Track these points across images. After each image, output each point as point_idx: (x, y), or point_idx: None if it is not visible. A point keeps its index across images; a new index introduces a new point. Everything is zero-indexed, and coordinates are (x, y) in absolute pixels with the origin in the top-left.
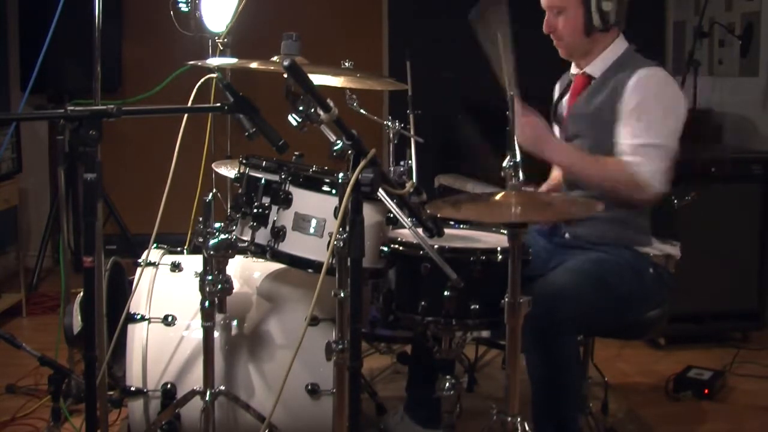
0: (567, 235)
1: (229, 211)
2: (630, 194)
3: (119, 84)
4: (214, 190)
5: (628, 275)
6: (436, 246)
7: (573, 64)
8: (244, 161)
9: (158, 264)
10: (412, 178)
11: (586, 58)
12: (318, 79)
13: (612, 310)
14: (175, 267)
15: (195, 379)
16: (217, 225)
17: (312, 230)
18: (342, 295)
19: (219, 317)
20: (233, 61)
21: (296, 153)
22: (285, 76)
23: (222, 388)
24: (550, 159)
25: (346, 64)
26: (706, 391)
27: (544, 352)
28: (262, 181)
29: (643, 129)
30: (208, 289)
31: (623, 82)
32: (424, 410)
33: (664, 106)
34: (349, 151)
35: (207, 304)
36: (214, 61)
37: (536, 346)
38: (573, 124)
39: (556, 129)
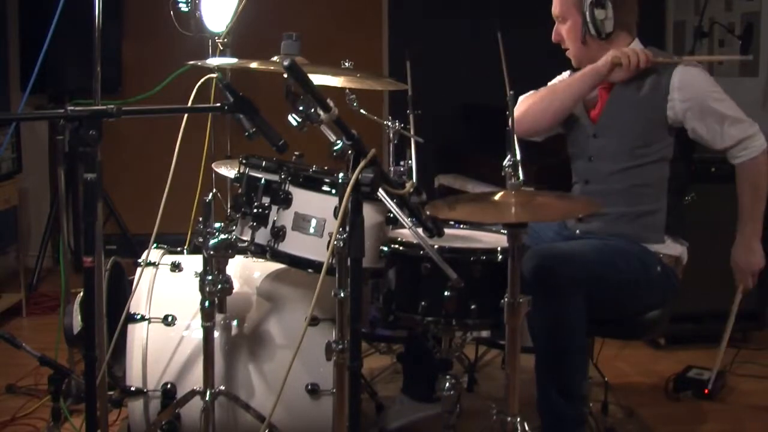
0: (578, 231)
1: (229, 211)
2: None
3: (119, 84)
4: (214, 190)
5: (636, 264)
6: (436, 246)
7: None
8: (244, 161)
9: (158, 264)
10: (412, 178)
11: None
12: (318, 79)
13: (615, 288)
14: (175, 267)
15: (195, 379)
16: (217, 225)
17: (312, 230)
18: (342, 295)
19: (219, 317)
20: (233, 61)
21: (296, 153)
22: (285, 76)
23: (222, 388)
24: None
25: (346, 64)
26: (706, 391)
27: (545, 308)
28: (262, 181)
29: (721, 118)
30: (208, 289)
31: (665, 72)
32: (421, 387)
33: (719, 91)
34: (349, 151)
35: (207, 304)
36: (214, 61)
37: (538, 301)
38: (607, 115)
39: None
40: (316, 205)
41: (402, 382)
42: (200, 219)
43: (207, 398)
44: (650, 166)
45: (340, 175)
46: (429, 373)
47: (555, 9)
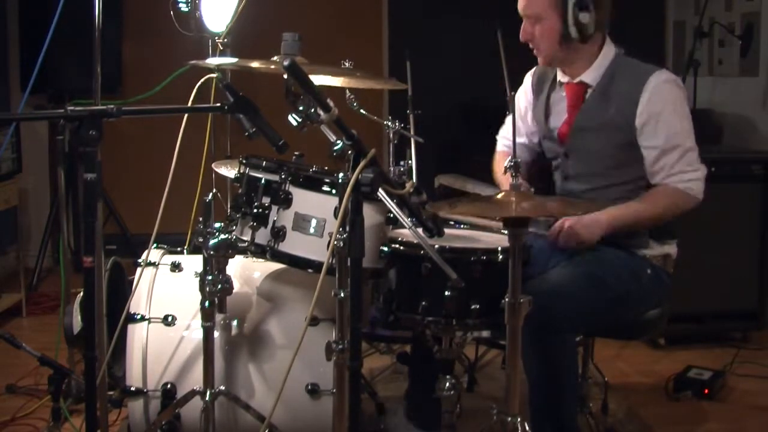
0: None
1: (229, 211)
2: (684, 210)
3: (119, 84)
4: (214, 190)
5: (626, 276)
6: (436, 246)
7: (559, 71)
8: (244, 161)
9: (158, 264)
10: (412, 178)
11: (573, 66)
12: (318, 79)
13: (609, 310)
14: (175, 267)
15: (195, 379)
16: (217, 225)
17: (312, 230)
18: (342, 295)
19: (219, 317)
20: (233, 61)
21: (296, 153)
22: (285, 76)
23: (222, 388)
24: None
25: (346, 64)
26: (706, 391)
27: (541, 351)
28: (262, 181)
29: (673, 137)
30: (208, 289)
31: (633, 86)
32: (424, 413)
33: (683, 112)
34: (349, 151)
35: (207, 304)
36: (214, 61)
37: (533, 344)
38: (575, 138)
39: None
40: (316, 205)
41: (404, 397)
42: (200, 219)
43: (207, 398)
44: (624, 185)
45: (340, 175)
46: (435, 399)
47: (526, 8)
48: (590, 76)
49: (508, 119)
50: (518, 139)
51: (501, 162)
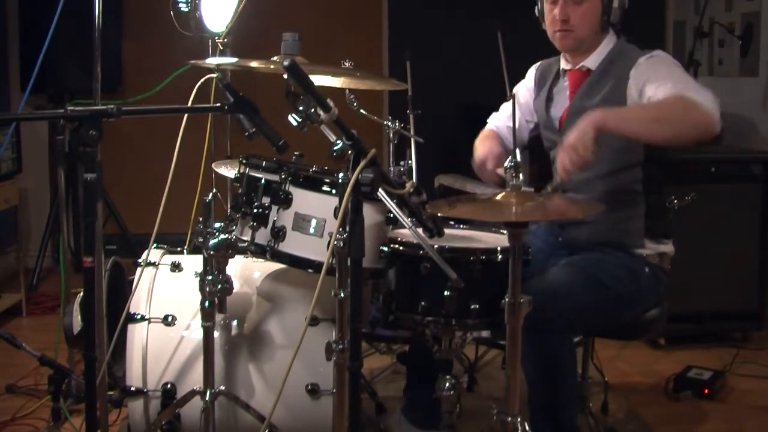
0: (560, 239)
1: (229, 211)
2: (698, 125)
3: (119, 84)
4: (214, 190)
5: (624, 275)
6: (436, 246)
7: (563, 59)
8: (244, 161)
9: (158, 264)
10: (412, 178)
11: (586, 54)
12: (318, 79)
13: (608, 310)
14: (175, 267)
15: (195, 379)
16: (217, 225)
17: (312, 230)
18: (342, 295)
19: (219, 317)
20: (233, 61)
21: (296, 153)
22: (285, 76)
23: (222, 388)
24: (618, 132)
25: (346, 64)
26: (706, 391)
27: (538, 351)
28: (262, 181)
29: (673, 80)
30: (208, 289)
31: (626, 69)
32: (422, 412)
33: (680, 69)
34: (349, 151)
35: (207, 304)
36: (214, 61)
37: (532, 344)
38: (572, 122)
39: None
40: (316, 205)
41: (403, 396)
42: (200, 219)
43: (207, 398)
44: (622, 172)
45: (340, 175)
46: (432, 401)
47: None
48: (592, 61)
49: (503, 106)
50: (508, 124)
51: (486, 135)
